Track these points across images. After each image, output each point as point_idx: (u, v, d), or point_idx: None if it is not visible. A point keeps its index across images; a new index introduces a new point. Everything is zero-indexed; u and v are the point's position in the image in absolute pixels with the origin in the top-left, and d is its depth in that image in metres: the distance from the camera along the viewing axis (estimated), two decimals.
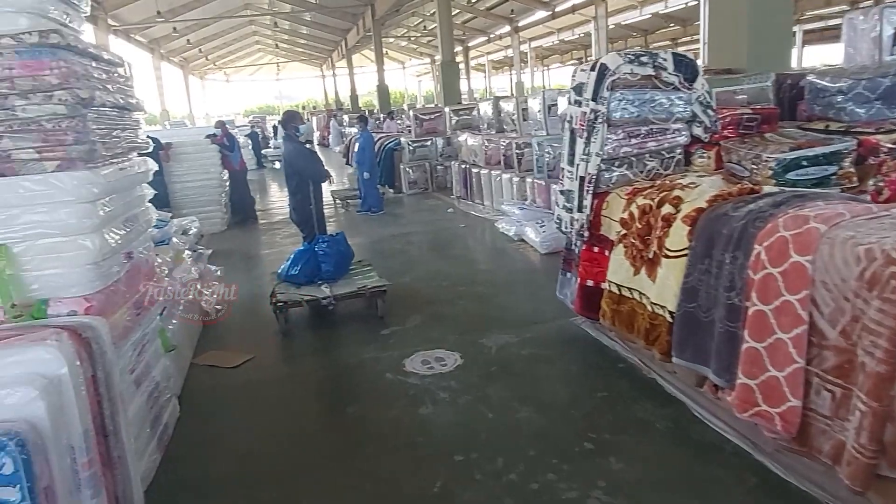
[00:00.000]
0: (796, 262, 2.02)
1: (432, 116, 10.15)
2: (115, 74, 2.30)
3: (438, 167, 9.89)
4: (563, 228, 3.47)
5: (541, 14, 24.46)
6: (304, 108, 38.31)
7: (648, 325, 2.75)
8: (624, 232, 2.97)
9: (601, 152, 3.09)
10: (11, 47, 1.82)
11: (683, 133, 3.23)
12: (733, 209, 2.42)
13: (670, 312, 2.61)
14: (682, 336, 2.55)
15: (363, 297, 4.10)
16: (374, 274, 4.41)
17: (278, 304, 3.89)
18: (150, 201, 2.85)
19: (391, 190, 10.03)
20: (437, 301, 4.40)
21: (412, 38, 32.11)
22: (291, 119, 5.40)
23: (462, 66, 24.50)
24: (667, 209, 2.72)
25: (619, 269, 2.99)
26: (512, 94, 20.91)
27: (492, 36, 29.97)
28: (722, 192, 2.60)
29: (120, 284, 2.18)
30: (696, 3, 20.09)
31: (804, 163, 2.72)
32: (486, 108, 8.27)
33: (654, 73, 3.07)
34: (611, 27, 21.78)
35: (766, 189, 2.63)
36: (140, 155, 2.68)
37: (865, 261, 1.83)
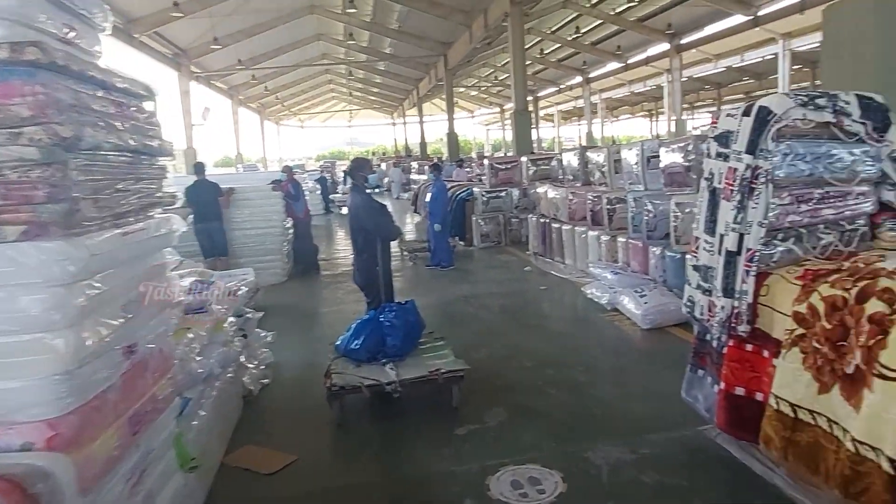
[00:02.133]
0: None
1: (509, 166, 9.61)
2: (132, 108, 1.76)
3: (513, 220, 9.25)
4: (697, 314, 2.70)
5: (613, 65, 24.01)
6: (373, 153, 38.98)
7: (849, 472, 1.92)
8: (801, 331, 2.17)
9: (765, 221, 2.33)
10: None
11: (870, 198, 2.44)
12: None
13: (890, 460, 1.78)
14: None
15: (435, 381, 3.41)
16: (447, 351, 3.72)
17: (333, 389, 3.25)
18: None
19: (462, 242, 9.44)
20: (522, 388, 3.66)
21: (482, 88, 32.23)
22: (360, 167, 4.90)
23: (531, 115, 24.16)
24: (876, 307, 1.92)
25: (793, 383, 2.18)
26: (600, 144, 20.18)
27: (562, 86, 29.68)
28: None
29: (110, 394, 1.58)
30: (774, 56, 19.31)
31: None
32: (570, 159, 7.61)
33: (833, 120, 2.32)
34: (683, 80, 21.08)
35: None
36: (166, 210, 2.09)
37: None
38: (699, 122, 37.94)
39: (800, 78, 23.16)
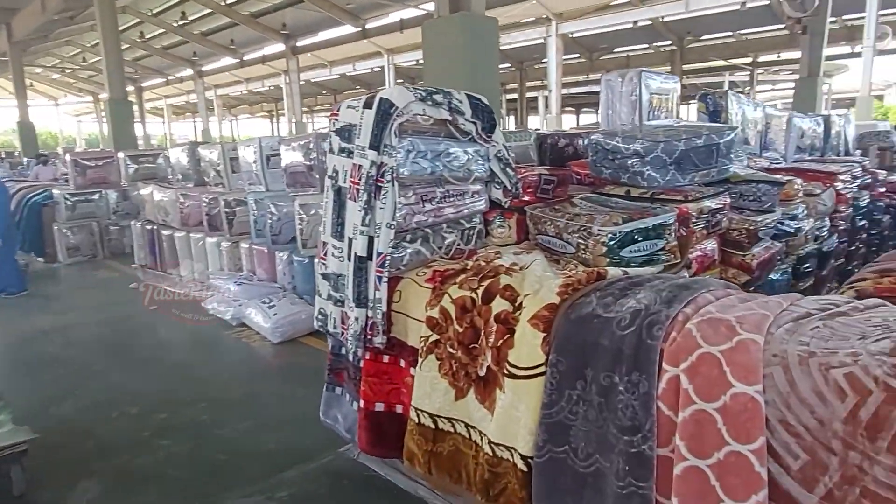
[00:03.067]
0: (741, 393, 1.37)
1: (99, 163, 7.97)
2: None
3: (111, 227, 7.74)
4: (331, 328, 2.42)
5: (228, 61, 22.99)
6: None
7: (488, 474, 1.87)
8: (435, 337, 2.07)
9: (393, 222, 2.17)
10: None
11: (483, 196, 2.53)
12: (602, 306, 1.74)
13: (524, 458, 1.78)
14: (548, 493, 1.73)
15: None
16: (2, 418, 2.63)
17: None
18: None
19: (40, 259, 7.46)
20: (124, 446, 2.84)
21: (67, 71, 27.01)
22: None
23: (136, 108, 21.25)
24: (500, 305, 1.92)
25: (432, 392, 2.07)
26: (217, 140, 18.64)
27: (171, 77, 27.11)
28: (570, 278, 1.91)
29: None
30: (381, 69, 21.53)
31: (638, 237, 2.23)
32: (179, 156, 6.66)
33: (450, 118, 2.30)
34: (301, 83, 21.71)
35: (612, 273, 2.04)
36: None
37: (853, 393, 1.27)
38: (319, 125, 39.72)
39: None
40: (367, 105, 2.21)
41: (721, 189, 2.76)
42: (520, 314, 1.86)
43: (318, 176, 4.57)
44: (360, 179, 2.22)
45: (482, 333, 1.94)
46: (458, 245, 2.43)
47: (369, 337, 2.25)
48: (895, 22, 14.85)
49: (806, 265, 3.44)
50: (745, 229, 2.79)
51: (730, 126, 2.92)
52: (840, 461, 1.26)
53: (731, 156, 2.85)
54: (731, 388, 1.39)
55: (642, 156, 2.64)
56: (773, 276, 3.11)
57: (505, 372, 1.83)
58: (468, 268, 2.17)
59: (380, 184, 2.17)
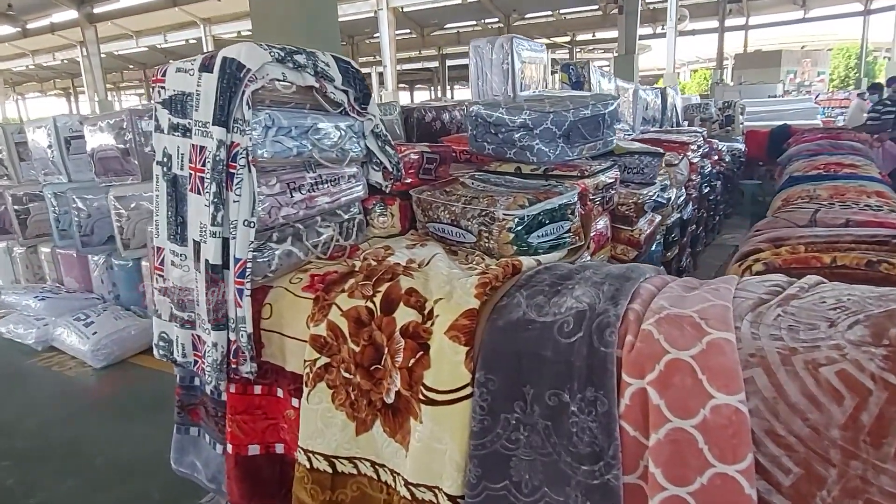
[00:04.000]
0: (723, 405, 1.16)
1: None
2: None
3: None
4: (179, 356, 1.89)
5: (7, 29, 19.43)
6: None
7: None
8: (324, 360, 1.65)
9: (253, 219, 1.69)
10: None
11: (360, 181, 2.11)
12: (534, 307, 1.45)
13: (451, 498, 1.45)
14: None
15: None
16: None
17: None
18: None
19: None
20: None
21: None
22: None
23: None
24: (406, 315, 1.55)
25: (324, 429, 1.65)
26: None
27: None
28: (485, 276, 1.59)
29: None
30: (197, 40, 19.62)
31: (544, 219, 1.98)
32: None
33: (316, 85, 1.85)
34: (103, 56, 19.13)
35: (526, 264, 1.77)
36: None
37: (850, 395, 1.10)
38: (128, 103, 35.49)
39: None
40: (206, 68, 1.69)
41: (610, 162, 2.62)
42: (432, 325, 1.51)
43: (136, 161, 3.78)
44: (204, 165, 1.70)
45: (386, 352, 1.56)
46: (338, 241, 2.00)
47: (234, 366, 1.76)
48: (692, 6, 16.59)
49: (673, 234, 3.50)
50: (634, 203, 2.69)
51: (612, 95, 2.80)
52: (840, 473, 1.10)
53: (615, 127, 2.73)
54: (710, 399, 1.17)
55: (531, 128, 2.41)
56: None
57: (421, 397, 1.48)
58: (356, 269, 1.76)
59: (232, 170, 1.68)
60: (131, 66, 26.63)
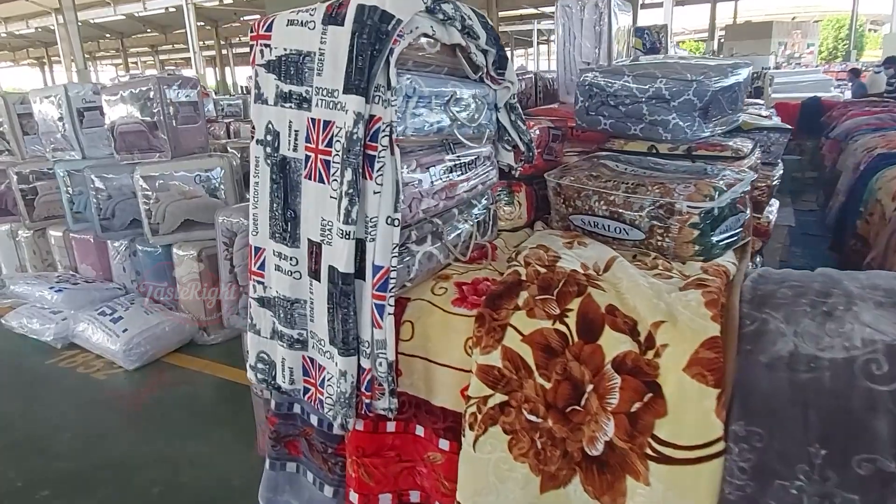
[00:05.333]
0: None
1: None
2: None
3: None
4: (284, 383, 1.53)
5: None
6: None
7: None
8: (500, 399, 1.29)
9: (397, 215, 1.31)
10: None
11: (493, 163, 1.73)
12: (806, 337, 1.10)
13: None
14: None
15: None
16: None
17: None
18: None
19: None
20: None
21: None
22: None
23: None
24: (617, 343, 1.20)
25: (499, 484, 1.30)
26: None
27: None
28: (709, 290, 1.24)
29: None
30: (177, 9, 18.75)
31: (727, 213, 1.62)
32: None
33: (463, 43, 1.46)
34: (79, 24, 18.23)
35: (730, 270, 1.42)
36: None
37: None
38: (105, 75, 34.22)
39: (204, 35, 23.16)
40: (333, 19, 1.29)
41: (751, 140, 2.26)
42: (655, 356, 1.16)
43: (165, 136, 3.34)
44: (330, 145, 1.31)
45: (590, 390, 1.21)
46: (476, 239, 1.63)
47: (366, 400, 1.40)
48: None
49: None
50: (767, 186, 2.34)
51: (744, 62, 2.42)
52: None
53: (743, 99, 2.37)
54: None
55: (667, 100, 2.03)
56: None
57: (649, 453, 1.14)
58: (523, 278, 1.39)
59: (371, 152, 1.29)
60: (108, 35, 25.51)
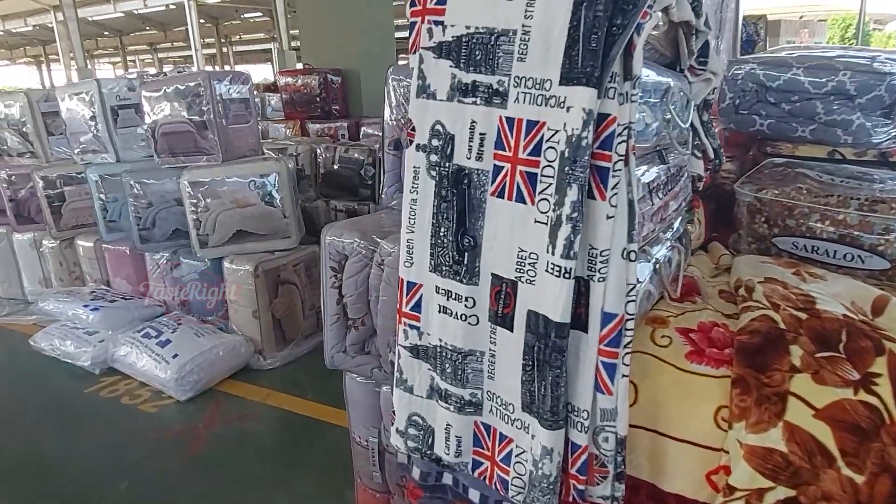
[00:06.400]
0: None
1: None
2: None
3: None
4: (448, 455, 1.21)
5: None
6: None
7: None
8: (786, 494, 0.97)
9: (634, 247, 0.99)
10: None
11: (688, 174, 1.41)
12: None
13: None
14: None
15: None
16: None
17: None
18: None
19: None
20: None
21: None
22: None
23: None
24: None
25: None
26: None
27: None
28: None
29: None
30: (177, 6, 18.36)
31: None
32: None
33: (693, 20, 1.14)
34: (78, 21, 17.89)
35: None
36: None
37: None
38: (102, 73, 33.72)
39: (204, 33, 22.77)
40: None
41: None
42: None
43: (215, 137, 3.00)
44: (538, 153, 1.00)
45: None
46: (685, 268, 1.31)
47: (580, 486, 1.07)
48: None
49: None
50: None
51: None
52: None
53: None
54: None
55: (851, 96, 1.72)
56: None
57: None
58: (783, 326, 1.07)
59: (603, 163, 0.96)
60: (106, 33, 25.06)
